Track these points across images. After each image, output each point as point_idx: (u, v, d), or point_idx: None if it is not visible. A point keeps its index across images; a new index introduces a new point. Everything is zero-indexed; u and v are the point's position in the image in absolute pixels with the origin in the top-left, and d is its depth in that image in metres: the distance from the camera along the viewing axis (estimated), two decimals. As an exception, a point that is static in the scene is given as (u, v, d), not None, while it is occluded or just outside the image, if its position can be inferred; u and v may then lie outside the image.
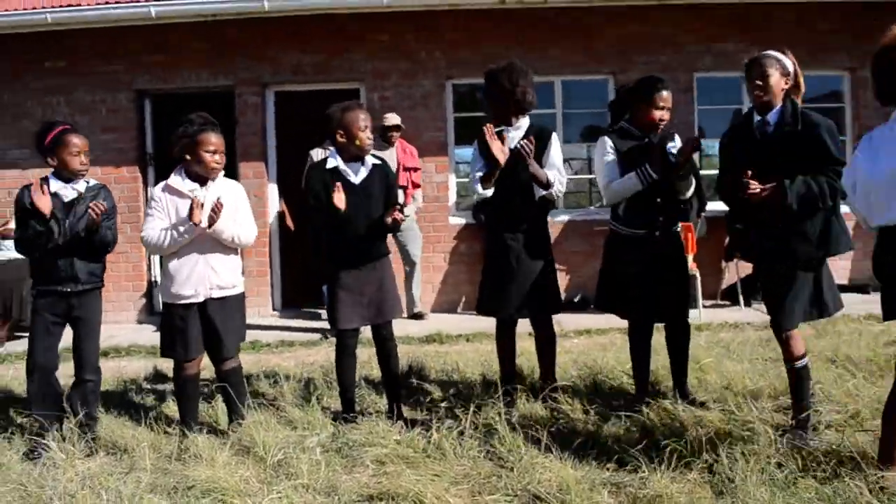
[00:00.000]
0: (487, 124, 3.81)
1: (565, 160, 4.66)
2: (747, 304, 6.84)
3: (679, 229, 3.87)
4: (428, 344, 5.85)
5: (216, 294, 3.57)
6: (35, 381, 3.60)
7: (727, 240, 6.88)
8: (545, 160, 3.89)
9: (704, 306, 6.62)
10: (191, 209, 3.40)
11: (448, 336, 6.04)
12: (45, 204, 3.50)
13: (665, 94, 3.68)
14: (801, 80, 3.33)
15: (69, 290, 3.62)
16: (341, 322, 3.75)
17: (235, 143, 7.16)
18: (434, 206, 7.34)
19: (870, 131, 2.77)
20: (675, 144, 3.70)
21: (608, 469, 3.05)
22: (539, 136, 3.86)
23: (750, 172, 3.14)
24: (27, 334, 4.00)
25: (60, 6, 6.84)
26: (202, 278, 3.53)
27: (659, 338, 3.89)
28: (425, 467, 3.08)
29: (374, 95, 7.27)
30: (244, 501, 2.80)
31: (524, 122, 3.93)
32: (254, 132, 7.34)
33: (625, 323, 3.94)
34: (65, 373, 3.76)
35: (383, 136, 6.55)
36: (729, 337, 5.46)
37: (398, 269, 5.36)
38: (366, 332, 3.97)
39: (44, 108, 7.20)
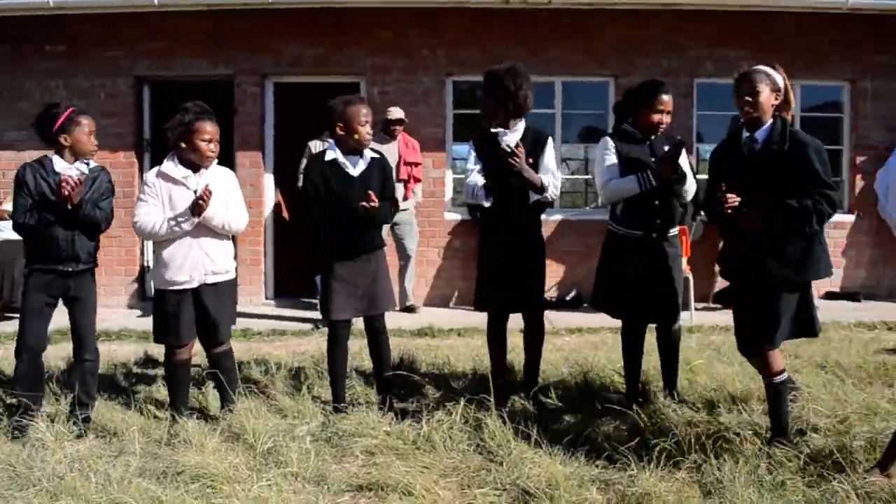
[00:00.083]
0: (518, 146, 3.72)
1: (563, 160, 4.68)
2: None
3: (676, 232, 3.89)
4: (420, 337, 5.84)
5: (210, 279, 3.58)
6: (24, 362, 3.60)
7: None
8: (540, 164, 3.90)
9: (696, 309, 6.65)
10: (194, 203, 3.41)
11: (440, 330, 6.04)
12: (76, 195, 3.49)
13: (665, 97, 3.69)
14: (791, 96, 3.26)
15: (70, 269, 3.61)
16: (334, 313, 3.75)
17: (234, 132, 7.15)
18: (430, 201, 7.34)
19: None
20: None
21: (597, 466, 3.06)
22: (535, 140, 3.87)
23: (725, 186, 3.12)
24: (17, 315, 3.97)
25: (62, -9, 6.81)
26: (196, 264, 3.54)
27: (650, 339, 3.91)
28: (415, 459, 3.09)
29: (375, 90, 7.26)
30: (233, 488, 2.79)
31: (521, 125, 3.94)
32: (252, 122, 7.33)
33: (616, 323, 3.96)
34: (56, 354, 3.75)
35: (386, 130, 6.55)
36: (720, 339, 5.48)
37: (393, 263, 5.36)
38: (358, 323, 3.97)
39: (42, 92, 7.17)
